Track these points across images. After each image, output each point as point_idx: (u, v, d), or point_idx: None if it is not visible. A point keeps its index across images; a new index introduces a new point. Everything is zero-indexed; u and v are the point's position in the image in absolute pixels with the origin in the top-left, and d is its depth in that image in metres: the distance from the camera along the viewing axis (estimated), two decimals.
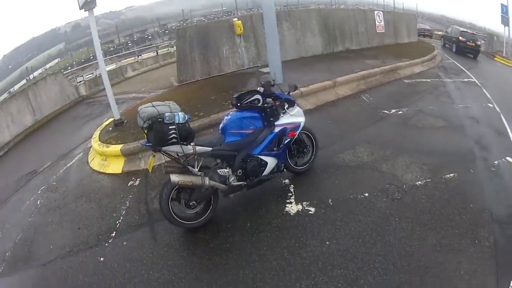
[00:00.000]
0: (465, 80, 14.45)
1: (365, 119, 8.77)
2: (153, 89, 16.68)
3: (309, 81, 10.72)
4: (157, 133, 4.30)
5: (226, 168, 4.99)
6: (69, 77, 22.19)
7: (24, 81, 34.03)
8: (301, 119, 5.66)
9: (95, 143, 8.60)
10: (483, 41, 29.08)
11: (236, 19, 13.62)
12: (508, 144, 7.86)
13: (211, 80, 12.82)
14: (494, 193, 5.70)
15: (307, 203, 5.29)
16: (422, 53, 17.20)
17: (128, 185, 6.85)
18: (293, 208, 5.22)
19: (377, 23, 19.97)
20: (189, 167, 4.69)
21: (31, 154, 12.33)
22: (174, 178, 4.47)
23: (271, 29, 10.64)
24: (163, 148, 4.44)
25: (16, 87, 33.14)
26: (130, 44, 54.79)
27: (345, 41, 17.82)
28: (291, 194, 5.60)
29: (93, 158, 8.54)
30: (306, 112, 8.85)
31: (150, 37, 62.62)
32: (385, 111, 9.27)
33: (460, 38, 24.16)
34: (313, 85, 10.42)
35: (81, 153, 9.53)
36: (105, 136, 8.74)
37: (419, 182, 5.77)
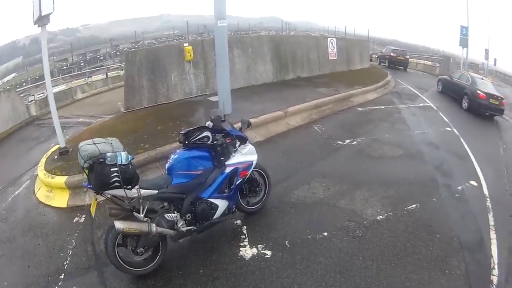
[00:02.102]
0: (421, 105, 14.83)
1: (318, 151, 8.69)
2: (100, 114, 16.16)
3: (259, 111, 10.61)
4: (98, 176, 3.97)
5: (174, 212, 4.71)
6: (21, 95, 21.23)
7: None
8: (253, 158, 5.47)
9: (40, 172, 8.17)
10: (437, 64, 31.43)
11: (187, 44, 13.39)
12: (470, 167, 8.10)
13: (158, 108, 12.46)
14: (461, 219, 5.81)
15: (263, 246, 5.09)
16: (375, 79, 17.61)
17: (74, 221, 6.51)
18: (247, 252, 4.99)
19: (329, 50, 20.23)
20: (134, 212, 4.41)
21: None
22: (119, 225, 4.19)
23: (222, 56, 10.52)
24: (105, 191, 4.14)
25: None
26: (82, 64, 53.28)
27: (296, 68, 17.95)
28: (244, 236, 5.36)
29: (39, 188, 8.11)
30: (256, 145, 8.72)
31: (102, 57, 60.95)
32: (339, 142, 9.29)
33: (392, 54, 29.74)
34: (263, 115, 10.30)
35: (28, 181, 9.05)
36: (51, 165, 8.29)
37: (380, 217, 5.74)
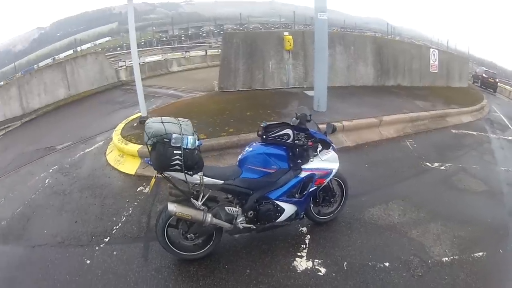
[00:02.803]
0: (510, 138, 13.30)
1: (405, 170, 7.94)
2: (193, 89, 16.31)
3: (354, 114, 9.98)
4: (159, 156, 3.81)
5: (235, 206, 4.41)
6: (111, 59, 22.22)
7: (71, 51, 34.53)
8: (334, 166, 4.92)
9: (116, 136, 8.34)
10: None
11: (287, 33, 13.05)
12: None
13: (251, 93, 12.31)
14: None
15: (319, 261, 4.59)
16: (471, 102, 16.16)
17: (137, 190, 6.51)
18: (302, 264, 4.53)
19: (431, 61, 18.99)
20: (192, 199, 4.17)
21: (55, 128, 12.35)
22: (172, 207, 4.00)
23: (321, 50, 10.04)
24: (165, 172, 3.96)
25: (62, 55, 33.61)
26: (183, 37, 54.98)
27: (397, 75, 16.96)
28: (304, 246, 4.88)
29: (111, 151, 8.31)
30: (345, 150, 8.39)
31: (204, 34, 62.72)
32: (428, 164, 8.42)
33: (484, 75, 31.01)
34: (357, 120, 9.61)
35: (102, 142, 9.31)
36: (128, 132, 8.46)
37: (446, 259, 4.99)
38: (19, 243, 5.41)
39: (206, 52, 28.87)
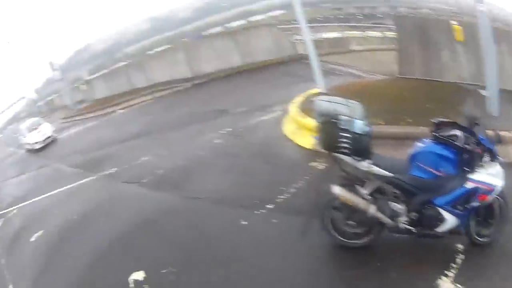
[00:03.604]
0: None
1: None
2: (372, 71, 15.87)
3: None
4: (326, 136, 3.85)
5: (401, 204, 4.15)
6: (288, 32, 22.49)
7: (243, 21, 35.90)
8: (498, 183, 4.17)
9: (293, 108, 8.42)
10: None
11: (455, 22, 11.92)
12: None
13: (429, 84, 11.31)
14: None
15: None
16: None
17: (310, 164, 6.46)
18: (444, 285, 4.00)
19: None
20: (357, 186, 4.11)
21: (229, 93, 13.14)
22: (337, 190, 4.03)
23: (487, 47, 8.93)
24: (333, 153, 3.97)
25: (234, 24, 34.94)
26: (358, 17, 53.59)
27: None
28: (454, 266, 4.25)
29: (288, 123, 8.38)
30: (509, 166, 7.44)
31: (380, 16, 60.28)
32: None
33: None
34: None
35: (279, 112, 9.41)
36: (306, 105, 8.38)
37: None
38: (175, 192, 5.95)
39: (384, 34, 27.65)
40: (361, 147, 3.82)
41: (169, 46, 21.71)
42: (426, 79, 11.72)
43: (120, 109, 21.82)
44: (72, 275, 6.10)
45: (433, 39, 11.85)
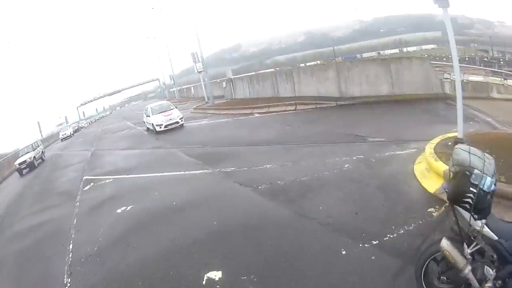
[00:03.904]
0: None
1: None
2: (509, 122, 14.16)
3: None
4: (455, 186, 3.51)
5: (493, 270, 3.61)
6: (436, 69, 21.43)
7: (395, 50, 35.05)
8: None
9: (428, 149, 8.11)
10: None
11: None
12: None
13: None
14: None
15: None
16: None
17: (428, 210, 6.12)
18: None
19: None
20: (465, 244, 3.70)
21: (369, 120, 12.99)
22: (444, 243, 3.70)
23: None
24: (454, 204, 3.61)
25: (387, 52, 34.65)
26: (501, 62, 49.21)
27: None
28: None
29: (420, 162, 8.14)
30: None
31: None
32: None
33: None
34: None
35: (415, 150, 9.04)
36: (441, 148, 8.07)
37: None
38: (287, 205, 6.35)
39: None
40: (483, 205, 3.47)
41: (320, 62, 21.94)
42: None
43: (258, 113, 22.52)
44: (143, 256, 6.51)
45: None
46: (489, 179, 3.42)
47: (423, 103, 15.71)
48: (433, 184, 6.95)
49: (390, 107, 15.85)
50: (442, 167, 6.91)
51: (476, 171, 3.41)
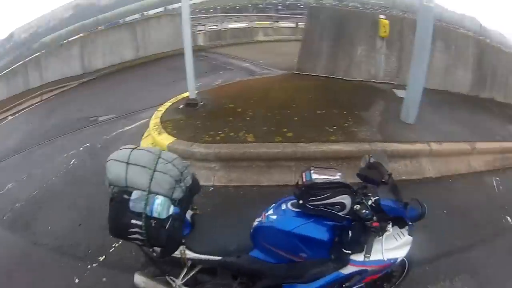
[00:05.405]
0: None
1: (484, 226, 5.96)
2: (272, 65, 14.72)
3: (445, 134, 7.95)
4: (112, 219, 2.54)
5: None
6: (192, 22, 21.31)
7: (161, 9, 34.22)
8: (401, 254, 2.97)
9: (154, 119, 7.26)
10: None
11: (383, 16, 10.99)
12: None
13: (331, 82, 10.47)
14: None
15: None
16: None
17: None
18: None
19: None
20: (167, 276, 2.90)
21: (108, 93, 11.80)
22: (138, 279, 2.90)
23: (423, 45, 7.91)
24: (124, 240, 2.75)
25: (151, 12, 33.89)
26: (280, 6, 53.03)
27: (493, 88, 13.94)
28: None
29: (146, 136, 7.24)
30: (424, 183, 6.72)
31: (302, 6, 60.06)
32: (509, 219, 6.37)
33: None
34: (448, 143, 7.53)
35: (145, 120, 8.13)
36: (169, 115, 7.33)
37: None
38: (24, 234, 5.14)
39: (297, 25, 26.23)
40: (160, 240, 2.54)
41: (84, 35, 19.54)
42: (328, 77, 10.83)
43: (11, 114, 19.05)
44: None
45: (347, 34, 11.04)
46: (160, 199, 2.48)
47: (170, 61, 15.09)
48: None
49: (132, 72, 14.82)
50: (167, 140, 6.26)
51: (135, 193, 2.45)
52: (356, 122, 7.40)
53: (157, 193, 2.46)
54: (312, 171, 2.75)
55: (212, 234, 2.89)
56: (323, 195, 2.59)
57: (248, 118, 6.90)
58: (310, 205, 2.63)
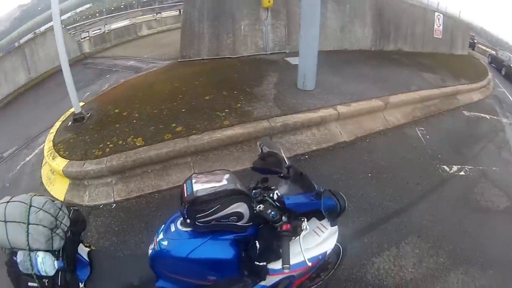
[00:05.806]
0: None
1: (419, 180, 5.93)
2: (156, 57, 14.39)
3: (351, 94, 7.89)
4: (13, 284, 2.29)
5: None
6: (80, 30, 20.48)
7: (52, 23, 32.07)
8: (329, 246, 2.71)
9: (47, 143, 6.44)
10: None
11: None
12: None
13: (218, 64, 10.12)
14: None
15: None
16: (478, 75, 14.07)
17: None
18: None
19: (435, 26, 17.44)
20: None
21: (9, 125, 10.36)
22: None
23: (311, 9, 7.60)
24: None
25: (42, 28, 31.90)
26: None
27: (398, 39, 15.10)
28: None
29: (45, 163, 6.42)
30: (339, 148, 6.52)
31: None
32: (445, 168, 6.51)
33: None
34: (356, 103, 7.48)
35: (43, 145, 7.18)
36: (60, 136, 6.54)
37: None
38: None
39: (180, 12, 25.87)
40: None
41: None
42: (214, 58, 10.57)
43: None
44: None
45: (227, 10, 10.67)
46: (41, 255, 2.24)
47: (58, 76, 13.59)
48: (61, 188, 5.59)
49: (28, 96, 13.40)
50: (62, 164, 5.53)
51: (20, 253, 2.22)
52: (249, 100, 7.15)
53: (37, 249, 2.24)
54: (193, 181, 2.34)
55: (112, 271, 2.58)
56: (211, 209, 2.20)
57: (134, 121, 6.38)
58: (199, 222, 2.24)
